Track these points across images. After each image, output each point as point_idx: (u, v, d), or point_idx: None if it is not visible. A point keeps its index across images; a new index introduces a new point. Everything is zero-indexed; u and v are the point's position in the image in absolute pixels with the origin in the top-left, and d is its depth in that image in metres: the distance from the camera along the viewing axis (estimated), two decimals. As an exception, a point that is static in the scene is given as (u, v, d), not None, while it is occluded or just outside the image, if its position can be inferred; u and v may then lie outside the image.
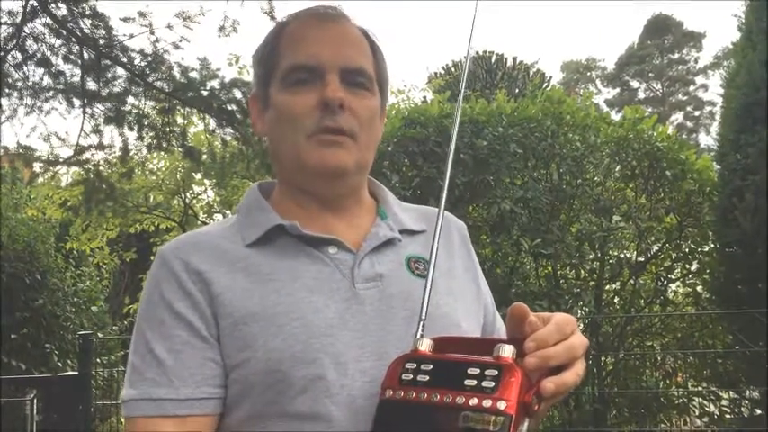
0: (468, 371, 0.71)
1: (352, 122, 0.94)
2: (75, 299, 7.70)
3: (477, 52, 15.11)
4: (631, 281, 5.16)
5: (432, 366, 0.74)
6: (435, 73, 14.95)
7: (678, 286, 5.55)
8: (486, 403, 0.68)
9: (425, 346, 0.77)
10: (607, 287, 5.25)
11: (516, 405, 0.68)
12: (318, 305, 0.89)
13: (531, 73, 15.05)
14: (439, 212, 0.89)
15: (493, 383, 0.69)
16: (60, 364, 6.97)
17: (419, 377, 0.73)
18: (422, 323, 0.80)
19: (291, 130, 0.95)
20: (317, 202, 0.99)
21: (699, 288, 5.31)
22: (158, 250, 0.97)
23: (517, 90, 13.64)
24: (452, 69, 15.18)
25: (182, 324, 0.89)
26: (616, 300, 5.30)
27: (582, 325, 5.12)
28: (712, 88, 35.45)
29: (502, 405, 0.67)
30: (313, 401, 0.84)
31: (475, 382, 0.70)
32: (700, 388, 4.93)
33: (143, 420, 0.87)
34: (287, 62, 0.96)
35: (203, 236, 0.98)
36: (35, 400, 5.06)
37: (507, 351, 0.72)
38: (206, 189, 8.95)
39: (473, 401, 0.68)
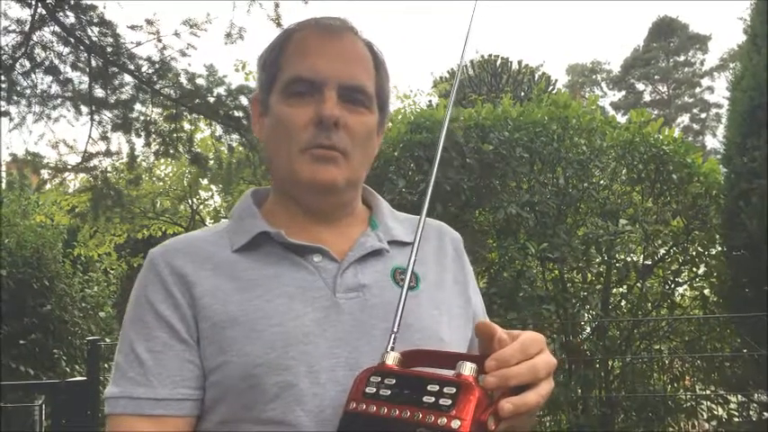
0: (428, 387, 0.71)
1: (346, 140, 0.94)
2: (83, 304, 7.74)
3: (482, 56, 15.06)
4: (638, 284, 5.15)
5: (394, 381, 0.74)
6: (440, 77, 14.92)
7: (685, 289, 5.52)
8: (442, 421, 0.68)
9: (392, 359, 0.78)
10: (614, 291, 5.23)
11: (470, 424, 0.68)
12: (298, 313, 0.89)
13: (537, 76, 15.00)
14: (419, 222, 0.88)
15: (450, 401, 0.69)
16: (68, 370, 6.99)
17: (381, 391, 0.74)
18: (393, 336, 0.80)
19: (286, 141, 0.95)
20: (308, 213, 0.99)
21: (706, 291, 5.28)
22: (148, 252, 0.98)
23: (522, 93, 13.61)
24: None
25: (163, 325, 0.90)
26: (623, 303, 5.28)
27: (589, 328, 5.11)
28: (718, 90, 35.38)
29: (456, 424, 0.67)
30: (284, 408, 0.85)
31: (433, 399, 0.70)
32: (708, 391, 4.90)
33: (122, 418, 0.89)
34: (288, 73, 0.97)
35: (193, 239, 0.99)
36: (44, 406, 5.08)
37: (468, 369, 0.72)
38: (213, 195, 8.99)
39: (429, 419, 0.69)
